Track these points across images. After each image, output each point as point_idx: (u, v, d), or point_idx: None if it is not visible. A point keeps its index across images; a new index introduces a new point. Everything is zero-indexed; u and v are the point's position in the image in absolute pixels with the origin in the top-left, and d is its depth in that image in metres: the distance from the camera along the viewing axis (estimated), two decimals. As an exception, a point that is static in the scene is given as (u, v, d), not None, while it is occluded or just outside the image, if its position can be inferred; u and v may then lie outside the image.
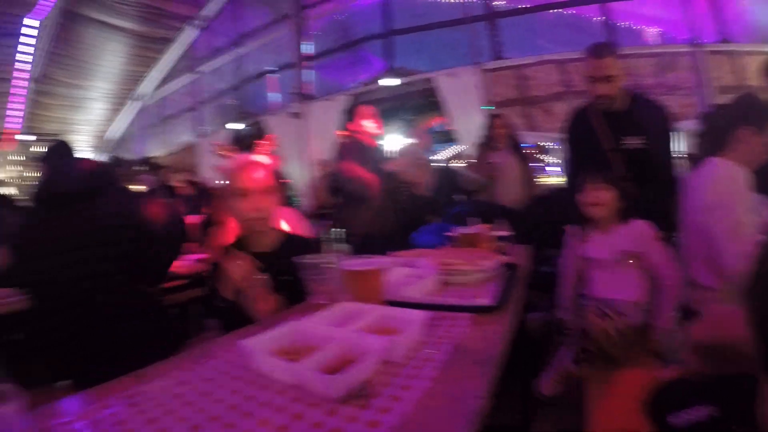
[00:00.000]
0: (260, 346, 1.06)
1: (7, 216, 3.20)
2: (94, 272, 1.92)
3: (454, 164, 8.03)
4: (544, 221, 3.33)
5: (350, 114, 3.80)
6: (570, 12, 7.58)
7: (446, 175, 4.98)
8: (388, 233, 3.50)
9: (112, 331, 1.92)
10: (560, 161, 5.40)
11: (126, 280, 2.00)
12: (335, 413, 0.84)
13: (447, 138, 9.40)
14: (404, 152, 4.64)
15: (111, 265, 1.95)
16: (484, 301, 1.40)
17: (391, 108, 8.39)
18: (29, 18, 11.75)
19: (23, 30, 12.09)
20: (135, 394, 1.01)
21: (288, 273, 1.70)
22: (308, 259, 1.41)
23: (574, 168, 3.00)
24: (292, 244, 1.87)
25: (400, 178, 3.82)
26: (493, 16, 7.77)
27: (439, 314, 1.28)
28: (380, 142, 3.92)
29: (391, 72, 8.65)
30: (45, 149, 2.65)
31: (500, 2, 8.05)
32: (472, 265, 1.72)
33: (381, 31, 8.96)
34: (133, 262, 2.01)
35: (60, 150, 2.52)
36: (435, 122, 8.52)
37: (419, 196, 3.92)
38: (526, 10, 7.88)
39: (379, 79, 8.60)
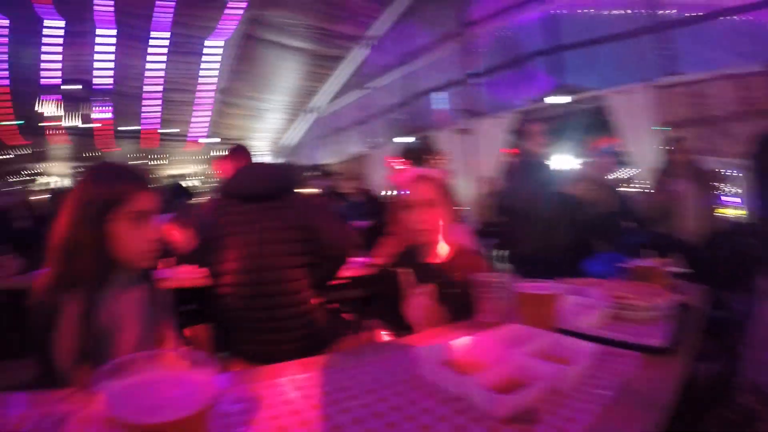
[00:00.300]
0: (431, 355, 1.08)
1: (188, 205, 3.75)
2: (275, 265, 2.11)
3: (626, 189, 7.54)
4: (725, 260, 3.06)
5: (519, 131, 3.67)
6: (746, 19, 6.56)
7: (617, 200, 4.73)
8: (554, 257, 3.35)
9: (280, 319, 2.12)
10: (742, 191, 4.86)
11: (301, 276, 2.17)
12: (496, 432, 0.83)
13: (618, 160, 8.83)
14: (582, 173, 4.39)
15: (290, 260, 2.14)
16: (655, 341, 1.30)
17: (558, 127, 8.13)
18: (210, 39, 13.66)
19: (204, 50, 14.10)
20: (303, 380, 1.08)
21: (455, 286, 1.73)
22: (481, 276, 1.42)
23: (763, 201, 2.68)
24: (461, 257, 1.85)
25: (577, 199, 3.64)
26: (663, 27, 7.08)
27: (607, 349, 1.21)
28: (549, 161, 3.80)
29: (560, 89, 8.30)
30: (225, 152, 2.82)
31: (670, 11, 7.27)
32: (644, 301, 1.56)
33: (547, 46, 8.71)
34: (308, 260, 2.19)
35: (243, 152, 2.72)
36: (605, 143, 8.06)
37: (598, 216, 3.72)
38: (700, 19, 6.99)
39: (547, 96, 8.32)
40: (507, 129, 8.46)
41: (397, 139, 11.56)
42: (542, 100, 8.40)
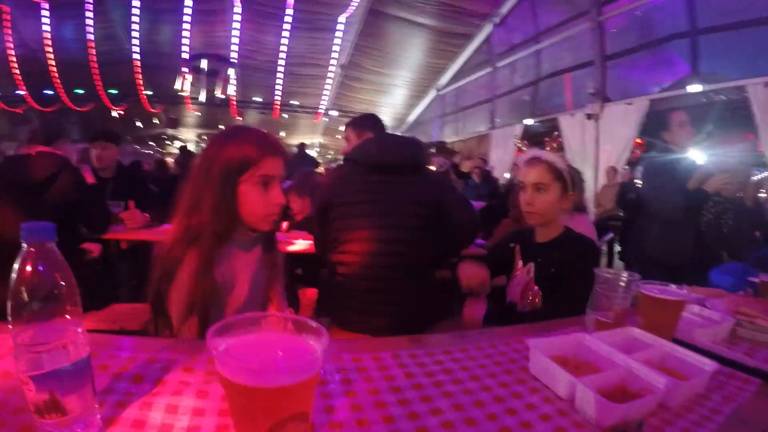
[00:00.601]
0: (541, 349, 1.02)
1: (308, 173, 3.84)
2: (393, 238, 2.08)
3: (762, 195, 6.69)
4: None
5: (658, 119, 3.34)
6: None
7: (750, 208, 4.17)
8: (678, 260, 3.07)
9: (392, 293, 2.09)
10: None
11: (419, 252, 2.13)
12: (599, 441, 0.77)
13: (755, 162, 7.89)
14: (726, 167, 3.94)
15: (410, 234, 2.10)
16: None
17: (693, 117, 7.42)
18: (334, 15, 13.78)
19: (328, 25, 14.25)
20: (408, 357, 1.05)
21: (555, 268, 1.75)
22: (603, 271, 1.32)
23: None
24: (570, 243, 1.82)
25: (716, 196, 3.31)
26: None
27: (723, 369, 1.09)
28: (688, 155, 3.43)
29: (696, 76, 7.51)
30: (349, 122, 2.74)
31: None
32: (771, 322, 1.44)
33: (685, 29, 7.80)
34: (428, 237, 2.15)
35: (374, 122, 2.65)
36: (741, 140, 7.15)
37: (746, 211, 3.37)
38: None
39: (684, 83, 7.55)
40: (638, 116, 7.85)
41: (522, 121, 11.24)
42: (679, 86, 7.66)
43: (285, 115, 18.71)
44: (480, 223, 2.56)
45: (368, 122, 2.57)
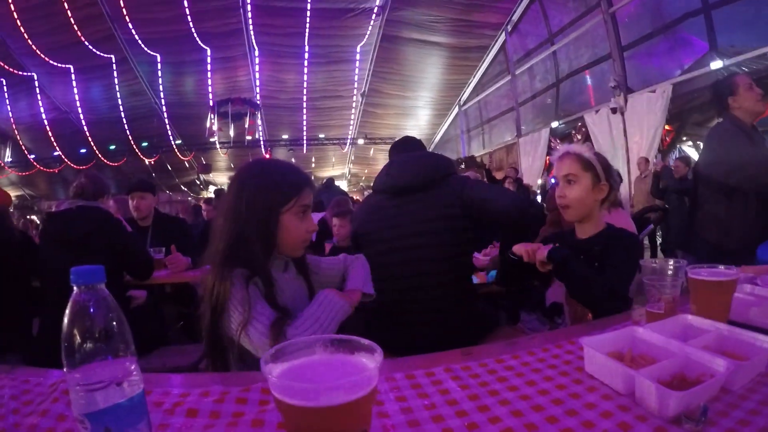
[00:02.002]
0: (595, 347, 0.99)
1: (343, 200, 3.87)
2: (428, 256, 2.08)
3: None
4: None
5: (724, 90, 3.00)
6: None
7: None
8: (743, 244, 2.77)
9: (435, 306, 2.09)
10: None
11: (449, 269, 2.11)
12: (663, 433, 0.75)
13: None
14: None
15: (443, 249, 2.09)
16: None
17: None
18: (348, 46, 14.09)
19: (344, 56, 14.60)
20: (460, 370, 1.04)
21: (599, 261, 1.74)
22: (650, 262, 1.31)
23: None
24: (611, 236, 1.80)
25: None
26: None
27: None
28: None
29: (715, 52, 7.37)
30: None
31: None
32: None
33: (697, 6, 7.67)
34: (461, 247, 2.14)
35: (399, 146, 2.59)
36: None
37: None
38: None
39: (704, 61, 7.44)
40: (662, 103, 7.69)
41: (550, 124, 11.23)
42: (700, 65, 7.48)
43: (312, 149, 19.05)
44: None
45: (393, 148, 2.56)
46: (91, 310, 0.65)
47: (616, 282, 1.64)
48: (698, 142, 10.16)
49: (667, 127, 8.41)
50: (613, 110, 8.70)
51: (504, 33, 13.44)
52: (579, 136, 9.84)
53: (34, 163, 17.35)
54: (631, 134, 8.49)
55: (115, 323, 0.66)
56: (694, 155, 9.90)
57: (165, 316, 3.28)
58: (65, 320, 0.64)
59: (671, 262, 1.31)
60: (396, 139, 2.61)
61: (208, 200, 8.27)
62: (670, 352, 0.96)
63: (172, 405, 0.90)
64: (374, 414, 0.84)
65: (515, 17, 12.94)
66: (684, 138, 9.91)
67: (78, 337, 0.63)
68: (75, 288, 0.65)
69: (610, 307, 1.53)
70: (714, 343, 1.04)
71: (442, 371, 1.03)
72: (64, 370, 0.64)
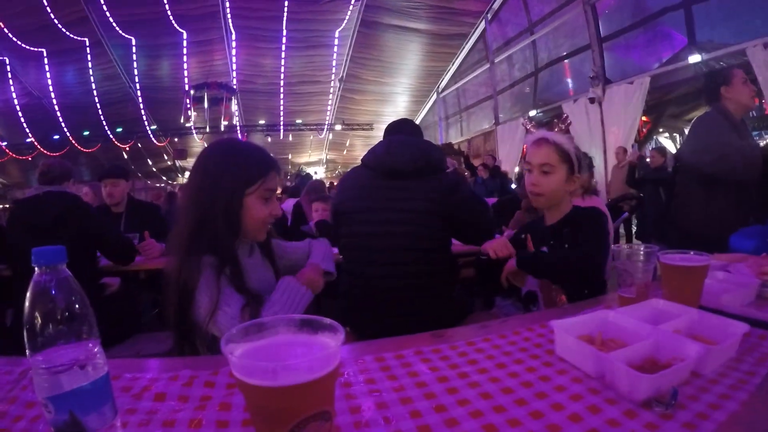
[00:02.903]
0: (566, 330, 0.99)
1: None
2: (404, 241, 2.05)
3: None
4: None
5: (718, 80, 3.00)
6: None
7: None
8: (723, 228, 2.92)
9: (411, 295, 2.06)
10: None
11: (431, 254, 2.11)
12: (634, 416, 0.76)
13: (764, 124, 7.75)
14: None
15: (423, 236, 2.07)
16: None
17: (698, 88, 7.34)
18: (327, 30, 13.99)
19: (322, 41, 14.51)
20: (430, 352, 1.04)
21: (569, 242, 1.75)
22: (622, 247, 1.31)
23: None
24: (578, 215, 1.82)
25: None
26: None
27: (755, 330, 1.07)
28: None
29: (693, 47, 7.51)
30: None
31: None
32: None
33: (678, 0, 7.78)
34: (442, 240, 2.14)
35: (402, 125, 2.54)
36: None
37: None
38: None
39: (683, 55, 7.57)
40: (640, 95, 7.80)
41: (527, 114, 11.32)
42: (678, 59, 7.60)
43: (290, 134, 18.90)
44: (495, 218, 2.48)
45: (390, 128, 2.48)
46: (53, 291, 0.64)
47: (590, 251, 1.66)
48: (674, 134, 10.34)
49: (644, 118, 8.54)
50: (591, 100, 8.80)
51: (484, 21, 13.45)
52: (563, 126, 9.92)
53: (6, 150, 16.86)
54: (609, 124, 8.60)
55: (77, 305, 0.65)
56: (670, 146, 10.08)
57: (139, 303, 3.25)
58: (26, 302, 0.63)
59: (642, 247, 1.32)
60: (393, 121, 2.52)
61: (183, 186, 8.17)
62: (640, 335, 0.96)
63: (141, 389, 0.89)
64: (341, 396, 0.84)
65: (496, 5, 12.97)
66: (660, 129, 10.07)
67: (39, 320, 0.63)
68: (36, 269, 0.64)
69: (589, 275, 1.58)
70: (685, 327, 1.04)
71: (412, 354, 1.03)
72: (27, 353, 0.63)
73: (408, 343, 1.11)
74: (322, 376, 0.57)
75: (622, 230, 7.45)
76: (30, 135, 16.36)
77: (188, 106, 15.96)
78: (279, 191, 7.81)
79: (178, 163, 20.01)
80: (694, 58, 7.21)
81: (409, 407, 0.80)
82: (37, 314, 0.63)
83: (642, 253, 1.29)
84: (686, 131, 9.58)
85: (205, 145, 1.72)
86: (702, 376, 0.88)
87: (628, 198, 6.74)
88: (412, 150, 2.12)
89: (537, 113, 11.21)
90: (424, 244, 2.07)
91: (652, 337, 0.94)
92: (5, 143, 16.77)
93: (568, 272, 1.70)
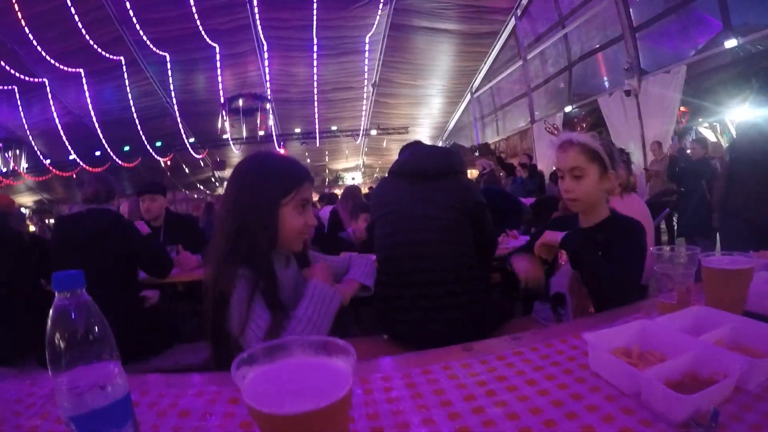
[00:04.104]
0: (600, 343, 0.94)
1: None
2: (433, 240, 2.11)
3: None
4: None
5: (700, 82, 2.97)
6: None
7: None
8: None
9: (445, 298, 2.09)
10: None
11: (460, 255, 2.14)
12: (670, 438, 0.70)
13: None
14: None
15: (448, 237, 2.12)
16: None
17: (736, 74, 7.06)
18: (358, 36, 13.97)
19: (354, 47, 14.48)
20: (458, 368, 1.01)
21: (599, 249, 1.67)
22: (661, 249, 1.25)
23: None
24: (615, 224, 1.75)
25: None
26: None
27: None
28: None
29: (729, 31, 7.18)
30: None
31: None
32: None
33: None
34: (467, 240, 2.17)
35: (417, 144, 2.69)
36: None
37: None
38: None
39: (718, 41, 7.27)
40: (677, 84, 7.54)
41: (563, 109, 11.10)
42: (714, 45, 7.33)
43: (326, 142, 19.08)
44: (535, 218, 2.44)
45: (404, 147, 2.62)
46: (73, 315, 0.66)
47: (625, 272, 1.60)
48: (714, 123, 9.96)
49: (682, 108, 8.26)
50: (627, 93, 8.54)
51: (514, 17, 13.25)
52: (584, 125, 9.70)
53: (50, 168, 17.60)
54: (646, 117, 8.34)
55: (97, 328, 0.67)
56: (710, 136, 9.71)
57: (178, 314, 3.32)
58: (48, 325, 0.65)
59: (683, 248, 1.26)
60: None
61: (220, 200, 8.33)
62: (680, 347, 0.90)
63: (167, 406, 0.90)
64: (363, 415, 0.83)
65: (524, 1, 12.75)
66: (699, 119, 9.72)
67: (60, 342, 0.64)
68: (56, 294, 0.66)
69: (622, 299, 1.50)
70: (728, 337, 0.98)
71: (440, 369, 1.01)
72: (50, 374, 0.65)
73: (437, 357, 1.08)
74: (330, 404, 0.55)
75: (663, 226, 7.20)
76: (72, 152, 17.01)
77: (224, 117, 16.28)
78: (315, 198, 7.87)
79: (217, 173, 20.43)
80: (730, 43, 6.92)
81: (431, 429, 0.78)
82: (58, 337, 0.64)
83: (683, 255, 1.23)
84: (727, 120, 9.25)
85: (243, 156, 1.76)
86: (746, 391, 0.82)
87: (668, 193, 6.52)
88: (434, 154, 2.27)
89: (573, 108, 10.97)
90: (455, 237, 2.12)
91: (692, 350, 0.88)
92: (48, 161, 17.49)
93: (599, 281, 1.64)
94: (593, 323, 1.20)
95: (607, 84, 10.46)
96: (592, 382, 0.91)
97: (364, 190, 9.42)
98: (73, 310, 0.66)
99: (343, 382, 0.58)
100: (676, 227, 7.50)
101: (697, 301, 1.15)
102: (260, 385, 0.59)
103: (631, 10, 9.06)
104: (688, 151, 6.67)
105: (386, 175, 2.44)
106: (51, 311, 0.65)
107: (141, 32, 12.37)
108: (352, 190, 4.99)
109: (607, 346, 0.94)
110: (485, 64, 15.65)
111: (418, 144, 2.64)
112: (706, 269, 1.17)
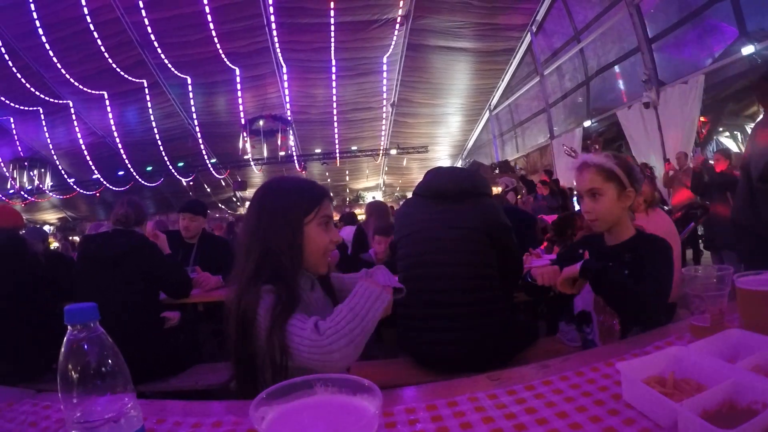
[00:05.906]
0: (632, 371, 0.90)
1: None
2: (456, 262, 2.10)
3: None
4: None
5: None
6: None
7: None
8: None
9: (467, 318, 2.07)
10: None
11: (479, 276, 2.13)
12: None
13: None
14: None
15: (475, 257, 2.11)
16: None
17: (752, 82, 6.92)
18: (374, 57, 14.17)
19: (372, 68, 14.70)
20: (485, 399, 0.98)
21: (628, 269, 1.65)
22: (693, 270, 1.19)
23: None
24: (641, 242, 1.73)
25: None
26: None
27: None
28: None
29: (745, 38, 7.08)
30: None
31: None
32: None
33: None
34: (485, 262, 2.15)
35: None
36: None
37: None
38: None
39: (735, 48, 7.19)
40: (696, 94, 7.43)
41: (582, 123, 11.04)
42: (731, 53, 7.25)
43: (346, 162, 19.18)
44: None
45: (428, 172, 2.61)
46: (86, 347, 0.65)
47: (653, 293, 1.56)
48: (735, 132, 9.79)
49: (702, 118, 8.14)
50: (646, 105, 8.45)
51: (529, 34, 13.29)
52: (597, 146, 9.59)
53: (74, 186, 18.11)
54: (666, 129, 8.23)
55: (110, 360, 0.66)
56: (732, 146, 9.53)
57: (199, 334, 3.32)
58: (60, 358, 0.64)
59: (715, 268, 1.19)
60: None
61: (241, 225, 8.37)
62: (717, 375, 0.85)
63: (184, 437, 0.88)
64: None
65: (539, 17, 12.78)
66: (720, 129, 9.57)
67: (73, 375, 0.63)
68: (69, 327, 0.65)
69: (649, 317, 1.47)
70: (767, 362, 0.92)
71: (466, 400, 0.96)
72: (62, 407, 0.64)
73: (463, 387, 1.04)
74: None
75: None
76: (96, 171, 17.45)
77: (245, 138, 16.51)
78: (336, 217, 7.83)
79: (238, 193, 20.66)
80: (747, 50, 6.85)
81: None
82: (70, 370, 0.63)
83: (715, 276, 1.16)
84: (747, 128, 9.06)
85: (264, 176, 1.76)
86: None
87: (694, 207, 6.38)
88: (457, 175, 2.28)
89: (592, 123, 10.89)
90: (478, 259, 2.11)
91: (730, 378, 0.82)
92: (73, 180, 18.00)
93: (624, 303, 1.60)
94: (624, 349, 1.14)
95: (625, 97, 10.37)
96: (626, 413, 0.86)
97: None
98: (86, 342, 0.65)
99: (366, 427, 0.55)
100: (702, 241, 7.33)
101: (731, 323, 1.10)
102: (279, 427, 0.57)
103: (645, 21, 9.01)
104: (711, 162, 6.53)
105: (409, 195, 2.47)
106: (63, 344, 0.64)
107: (162, 56, 12.73)
108: (377, 208, 4.88)
109: (641, 375, 0.90)
110: (503, 81, 15.69)
111: (442, 167, 2.64)
112: (741, 291, 1.11)
